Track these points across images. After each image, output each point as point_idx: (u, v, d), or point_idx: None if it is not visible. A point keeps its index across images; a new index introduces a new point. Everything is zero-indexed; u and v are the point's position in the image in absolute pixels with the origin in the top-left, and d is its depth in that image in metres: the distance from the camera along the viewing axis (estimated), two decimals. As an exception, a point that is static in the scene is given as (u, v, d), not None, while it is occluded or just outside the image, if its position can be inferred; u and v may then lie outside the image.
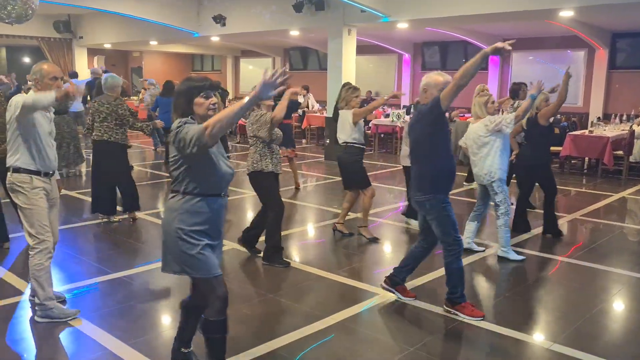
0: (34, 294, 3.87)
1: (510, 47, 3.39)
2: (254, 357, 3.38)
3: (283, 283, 4.69)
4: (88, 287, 4.52)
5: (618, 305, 4.33)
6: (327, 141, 11.73)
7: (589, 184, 9.36)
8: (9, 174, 3.80)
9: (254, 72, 21.81)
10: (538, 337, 3.74)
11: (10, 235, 5.52)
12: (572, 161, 10.61)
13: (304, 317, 3.95)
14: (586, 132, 10.32)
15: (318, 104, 15.31)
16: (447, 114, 4.28)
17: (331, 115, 9.21)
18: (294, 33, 13.66)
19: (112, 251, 5.58)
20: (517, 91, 7.50)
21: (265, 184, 4.99)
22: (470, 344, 3.72)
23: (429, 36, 15.31)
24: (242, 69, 22.51)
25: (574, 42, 13.64)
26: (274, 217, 5.03)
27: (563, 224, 6.19)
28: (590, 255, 5.43)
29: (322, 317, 3.93)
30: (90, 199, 6.63)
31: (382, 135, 13.40)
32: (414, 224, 6.29)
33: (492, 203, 5.29)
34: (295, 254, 5.42)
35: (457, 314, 3.95)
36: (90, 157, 6.70)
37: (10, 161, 3.77)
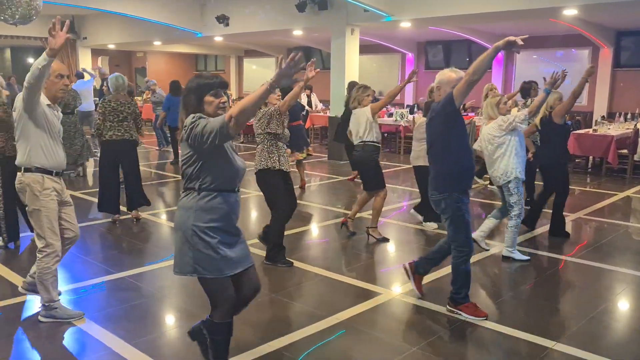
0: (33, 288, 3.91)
1: (522, 42, 3.31)
2: (257, 356, 3.38)
3: (286, 282, 4.69)
4: (92, 286, 4.54)
5: (622, 305, 4.32)
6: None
7: (593, 183, 9.33)
8: (19, 173, 3.72)
9: (257, 72, 21.84)
10: (541, 336, 3.73)
11: (20, 235, 5.56)
12: (577, 160, 10.56)
13: (307, 317, 3.95)
14: (590, 130, 10.29)
15: (321, 104, 15.29)
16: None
17: (339, 117, 9.19)
18: (297, 33, 13.66)
19: (116, 251, 5.60)
20: (528, 90, 7.43)
21: (272, 182, 4.99)
22: (473, 343, 3.71)
23: (433, 35, 15.27)
24: (246, 68, 22.54)
25: (578, 41, 13.59)
26: (278, 217, 5.04)
27: (567, 223, 6.17)
28: (595, 255, 5.41)
29: (325, 316, 3.93)
30: (93, 199, 6.65)
31: (386, 135, 13.38)
32: (429, 226, 6.28)
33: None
34: (298, 254, 5.42)
35: (460, 314, 3.94)
36: (97, 158, 6.73)
37: (21, 160, 3.68)
